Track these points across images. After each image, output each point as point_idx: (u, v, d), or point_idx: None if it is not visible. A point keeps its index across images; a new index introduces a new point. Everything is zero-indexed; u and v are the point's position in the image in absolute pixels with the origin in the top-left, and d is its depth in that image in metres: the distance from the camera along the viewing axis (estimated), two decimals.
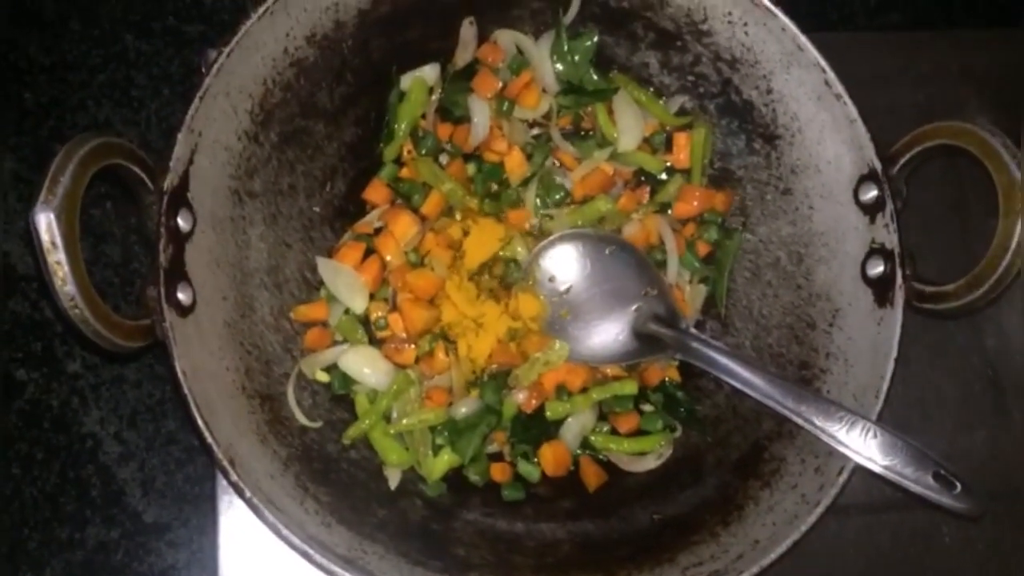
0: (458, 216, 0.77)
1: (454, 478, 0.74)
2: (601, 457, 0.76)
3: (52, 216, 0.53)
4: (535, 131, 0.79)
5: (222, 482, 0.76)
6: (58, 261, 0.53)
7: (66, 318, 0.55)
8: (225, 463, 0.60)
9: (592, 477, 0.74)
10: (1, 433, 0.80)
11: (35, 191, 0.54)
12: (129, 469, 0.81)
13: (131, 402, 0.82)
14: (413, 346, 0.73)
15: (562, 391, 0.74)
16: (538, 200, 0.77)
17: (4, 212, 0.84)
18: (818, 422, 0.65)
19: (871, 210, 0.68)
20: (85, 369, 0.82)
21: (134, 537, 0.80)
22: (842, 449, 0.64)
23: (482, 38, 0.78)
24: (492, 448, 0.75)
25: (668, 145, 0.79)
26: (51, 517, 0.80)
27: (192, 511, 0.80)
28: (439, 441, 0.73)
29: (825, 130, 0.71)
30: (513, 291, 0.75)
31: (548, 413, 0.74)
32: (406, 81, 0.77)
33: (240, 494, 0.60)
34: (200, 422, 0.59)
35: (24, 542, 0.79)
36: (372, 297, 0.75)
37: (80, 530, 0.80)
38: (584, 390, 0.75)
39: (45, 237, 0.53)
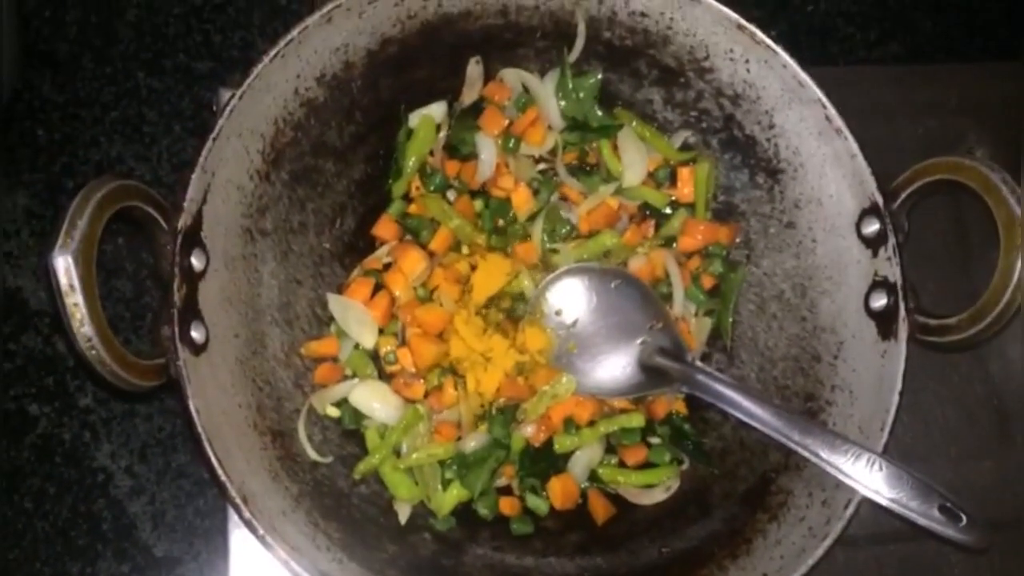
0: (466, 251, 0.78)
1: (463, 512, 0.74)
2: (609, 490, 0.76)
3: (70, 259, 0.54)
4: (541, 167, 0.80)
5: (233, 516, 0.77)
6: (76, 303, 0.54)
7: (82, 359, 0.56)
8: (238, 500, 0.60)
9: (600, 510, 0.75)
10: (13, 468, 0.81)
11: (52, 234, 0.55)
12: (140, 503, 0.82)
13: (142, 436, 0.83)
14: (422, 380, 0.74)
15: (570, 424, 0.74)
16: (544, 235, 0.78)
17: (17, 248, 0.85)
18: (824, 454, 0.65)
19: (873, 243, 0.69)
20: (96, 403, 0.83)
21: (145, 571, 0.80)
22: (848, 481, 0.64)
23: (488, 76, 0.79)
24: (501, 482, 0.75)
25: (672, 180, 0.80)
26: (63, 551, 0.80)
27: (203, 544, 0.81)
28: (448, 475, 0.73)
29: (827, 165, 0.72)
30: (520, 325, 0.76)
31: (556, 446, 0.75)
32: (414, 119, 0.78)
33: (253, 531, 0.60)
34: (214, 460, 0.60)
35: None
36: (381, 332, 0.75)
37: (91, 564, 0.80)
38: (592, 423, 0.75)
39: (63, 280, 0.54)
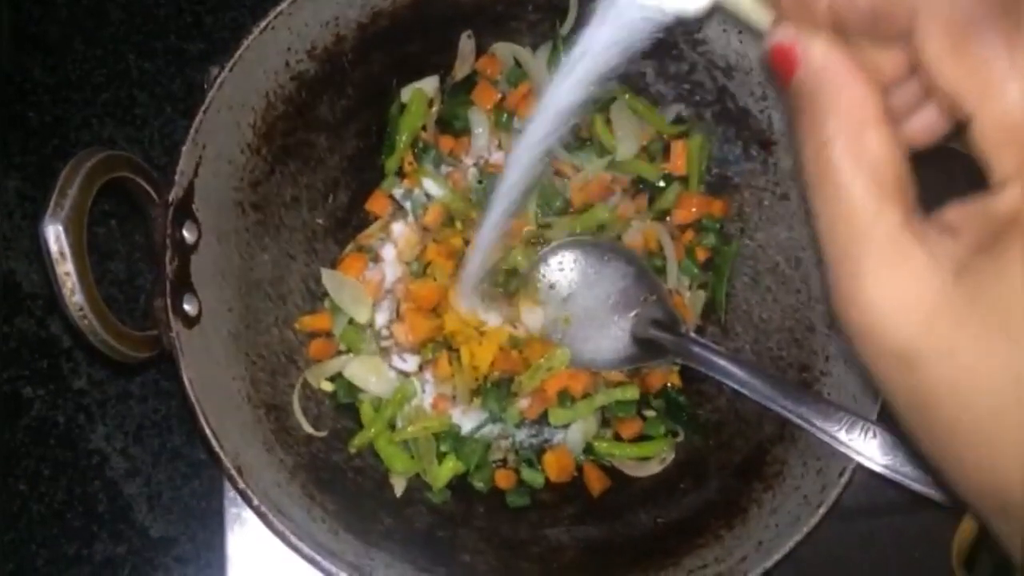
0: (459, 226, 0.77)
1: (459, 485, 0.74)
2: (604, 462, 0.76)
3: (60, 228, 0.54)
4: None
5: (229, 495, 0.77)
6: (67, 272, 0.54)
7: (75, 328, 0.56)
8: (233, 471, 0.60)
9: (596, 482, 0.75)
10: (8, 450, 0.81)
11: (42, 204, 0.55)
12: (135, 484, 0.81)
13: (137, 417, 0.83)
14: (417, 355, 0.74)
15: (565, 397, 0.74)
16: (538, 209, 0.78)
17: (9, 230, 0.85)
18: (818, 423, 0.65)
19: None
20: (91, 385, 0.83)
21: (141, 552, 0.80)
22: (842, 449, 0.64)
23: (480, 51, 0.79)
24: (496, 455, 0.76)
25: (665, 153, 0.80)
26: (58, 533, 0.80)
27: (199, 526, 0.81)
28: (444, 448, 0.73)
29: None
30: (514, 299, 0.76)
31: (551, 419, 0.75)
32: (406, 94, 0.78)
33: (248, 502, 0.60)
34: (208, 430, 0.60)
35: (31, 559, 0.79)
36: (375, 307, 0.75)
37: (87, 546, 0.80)
38: (586, 396, 0.75)
39: (54, 248, 0.54)
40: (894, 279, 0.32)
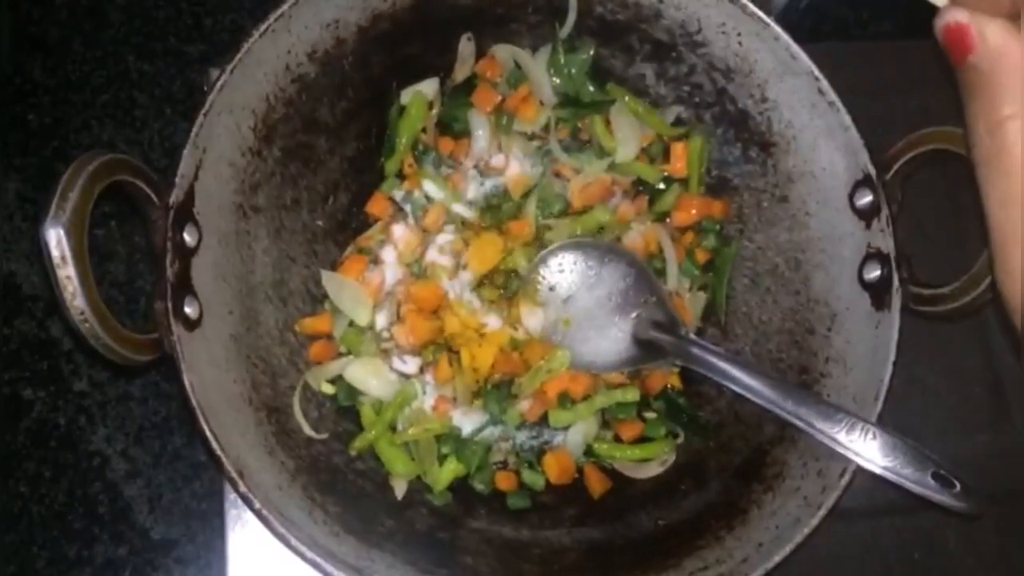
0: (459, 228, 0.77)
1: (460, 487, 0.74)
2: (605, 464, 0.77)
3: (62, 231, 0.54)
4: (534, 143, 0.80)
5: (229, 497, 0.77)
6: (68, 276, 0.54)
7: (76, 332, 0.56)
8: (234, 474, 0.60)
9: (596, 484, 0.75)
10: (9, 452, 0.81)
11: (43, 207, 0.55)
12: (136, 486, 0.81)
13: (137, 419, 0.83)
14: (417, 356, 0.74)
15: (565, 399, 0.75)
16: (538, 211, 0.78)
17: (9, 232, 0.85)
18: (818, 424, 0.65)
19: (867, 215, 0.69)
20: (91, 387, 0.83)
21: (142, 554, 0.80)
22: (842, 451, 0.64)
23: (480, 53, 0.79)
24: (497, 457, 0.76)
25: (665, 155, 0.80)
26: (59, 535, 0.80)
27: (199, 527, 0.81)
28: (444, 450, 0.73)
29: (819, 137, 0.72)
30: (514, 301, 0.76)
31: (551, 421, 0.75)
32: (406, 96, 0.78)
33: (249, 505, 0.60)
34: (209, 433, 0.60)
35: (32, 560, 0.79)
36: (376, 309, 0.75)
37: (88, 547, 0.80)
38: (587, 398, 0.75)
39: (55, 252, 0.54)
40: None
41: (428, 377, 0.74)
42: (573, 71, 0.79)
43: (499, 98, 0.79)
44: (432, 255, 0.76)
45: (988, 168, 0.35)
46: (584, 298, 0.76)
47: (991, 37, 0.35)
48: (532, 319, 0.75)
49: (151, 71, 0.90)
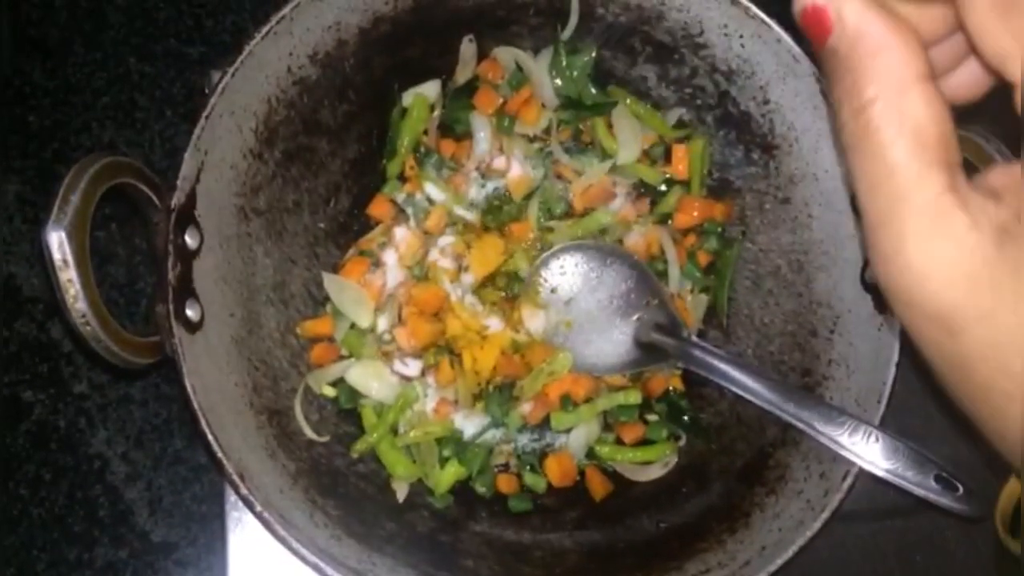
0: (461, 231, 0.77)
1: (461, 490, 0.74)
2: (607, 467, 0.76)
3: (63, 234, 0.54)
4: (536, 146, 0.80)
5: (230, 500, 0.77)
6: (69, 279, 0.54)
7: (77, 335, 0.56)
8: (235, 477, 0.60)
9: (598, 487, 0.75)
10: (9, 454, 0.81)
11: (45, 210, 0.55)
12: (136, 489, 0.81)
13: (137, 422, 0.82)
14: (419, 359, 0.74)
15: (567, 402, 0.74)
16: (539, 213, 0.78)
17: (9, 234, 0.85)
18: (820, 427, 0.65)
19: None
20: (91, 389, 0.83)
21: (142, 557, 0.80)
22: (844, 453, 0.64)
23: (482, 55, 0.79)
24: (498, 459, 0.76)
25: (667, 157, 0.80)
26: (59, 538, 0.80)
27: (200, 530, 0.80)
28: (446, 453, 0.73)
29: (822, 139, 0.72)
30: (516, 303, 0.76)
31: (553, 424, 0.75)
32: (407, 98, 0.78)
33: (251, 508, 0.60)
34: (210, 436, 0.60)
35: (32, 563, 0.79)
36: (377, 311, 0.75)
37: (88, 550, 0.80)
38: (588, 400, 0.75)
39: (56, 255, 0.54)
40: (936, 243, 0.32)
41: (429, 379, 0.74)
42: (575, 73, 0.79)
43: (501, 100, 0.79)
44: (434, 257, 0.76)
45: (855, 153, 0.33)
46: (586, 300, 0.76)
47: (848, 18, 0.33)
48: (534, 321, 0.75)
49: (152, 73, 0.90)
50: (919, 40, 0.33)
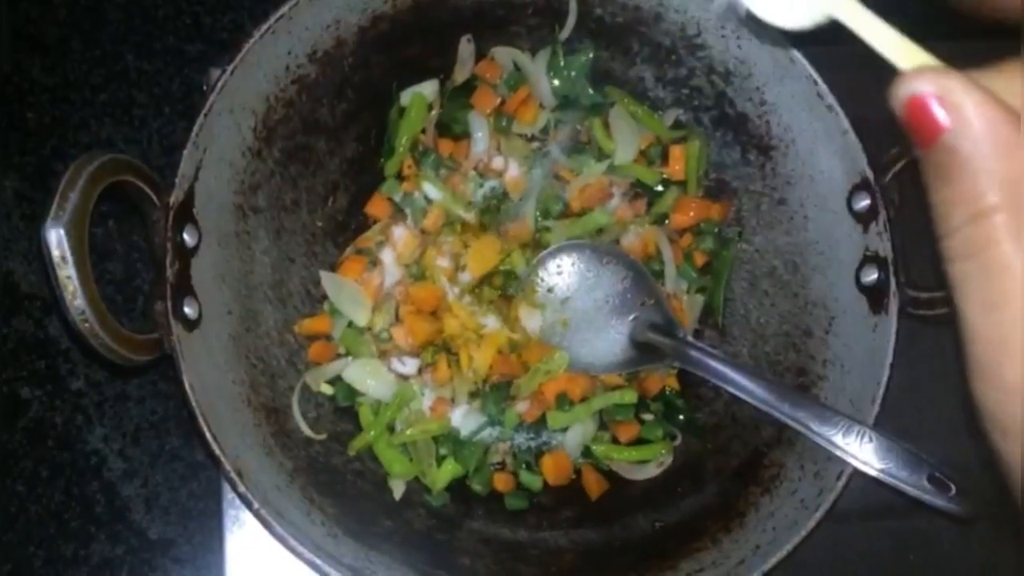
0: (458, 230, 0.78)
1: (458, 488, 0.75)
2: (602, 466, 0.77)
3: (62, 232, 0.54)
4: (533, 145, 0.80)
5: (227, 497, 0.77)
6: (68, 276, 0.54)
7: (76, 332, 0.56)
8: (233, 475, 0.60)
9: (594, 486, 0.75)
10: (6, 451, 0.81)
11: (44, 207, 0.55)
12: (133, 486, 0.81)
13: (135, 419, 0.83)
14: (416, 358, 0.74)
15: (563, 401, 0.75)
16: (537, 213, 0.78)
17: (7, 231, 0.85)
18: (814, 427, 0.65)
19: (864, 219, 0.69)
20: (89, 386, 0.83)
21: (139, 553, 0.80)
22: (838, 453, 0.64)
23: (480, 55, 0.79)
24: (495, 458, 0.76)
25: (664, 157, 0.80)
26: (56, 534, 0.80)
27: (196, 527, 0.81)
28: (442, 451, 0.73)
29: (818, 140, 0.72)
30: (513, 302, 0.76)
31: (549, 423, 0.75)
32: (406, 97, 0.78)
33: (248, 506, 0.60)
34: (208, 434, 0.60)
35: (29, 560, 0.79)
36: (375, 310, 0.76)
37: (85, 547, 0.80)
38: (585, 399, 0.75)
39: (55, 252, 0.54)
40: None
41: (427, 378, 0.75)
42: (572, 73, 0.79)
43: (499, 100, 0.79)
44: (431, 256, 0.76)
45: (968, 262, 0.30)
46: (582, 300, 0.77)
47: (969, 113, 0.29)
48: (531, 321, 0.76)
49: (150, 70, 0.90)
50: None
